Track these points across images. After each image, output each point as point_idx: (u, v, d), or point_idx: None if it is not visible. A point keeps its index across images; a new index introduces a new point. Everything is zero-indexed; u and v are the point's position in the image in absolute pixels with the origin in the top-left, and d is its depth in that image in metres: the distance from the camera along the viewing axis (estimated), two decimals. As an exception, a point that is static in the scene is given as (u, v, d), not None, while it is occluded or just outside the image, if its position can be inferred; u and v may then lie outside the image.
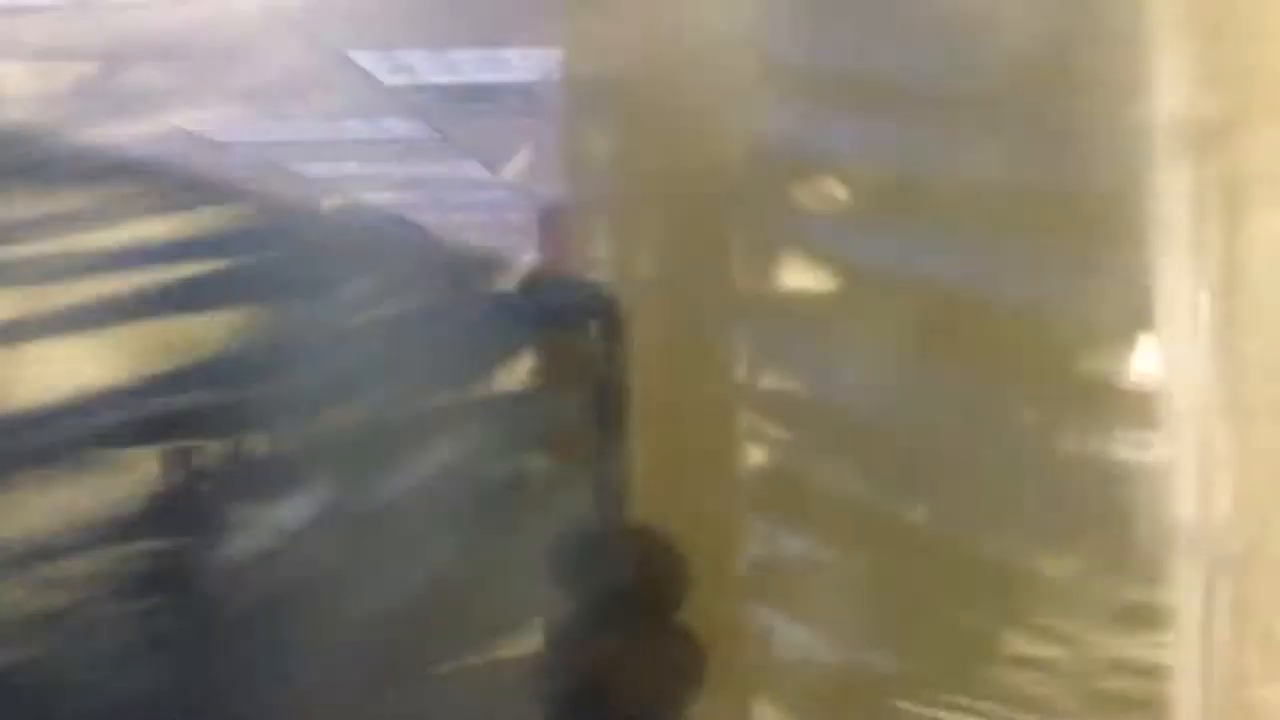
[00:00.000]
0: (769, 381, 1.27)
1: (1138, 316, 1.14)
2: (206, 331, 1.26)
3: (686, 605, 1.31)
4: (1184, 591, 1.09)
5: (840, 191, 1.26)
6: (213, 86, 1.31)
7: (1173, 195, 1.09)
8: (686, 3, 1.26)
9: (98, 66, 1.22)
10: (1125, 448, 1.17)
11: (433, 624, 1.30)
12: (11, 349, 1.17)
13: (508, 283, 1.37)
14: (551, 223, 1.37)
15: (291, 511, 1.26)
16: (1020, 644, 1.18)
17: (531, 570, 1.32)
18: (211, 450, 1.23)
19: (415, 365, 1.34)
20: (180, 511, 1.23)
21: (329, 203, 1.34)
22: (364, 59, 1.42)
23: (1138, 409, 1.14)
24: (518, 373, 1.35)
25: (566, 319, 1.35)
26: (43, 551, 1.17)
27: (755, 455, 1.27)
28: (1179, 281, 1.10)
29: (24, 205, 1.20)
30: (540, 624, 1.31)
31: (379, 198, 1.37)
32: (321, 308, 1.30)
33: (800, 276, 1.28)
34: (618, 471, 1.31)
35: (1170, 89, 1.07)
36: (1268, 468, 1.08)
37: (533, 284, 1.36)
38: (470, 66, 1.45)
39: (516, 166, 1.37)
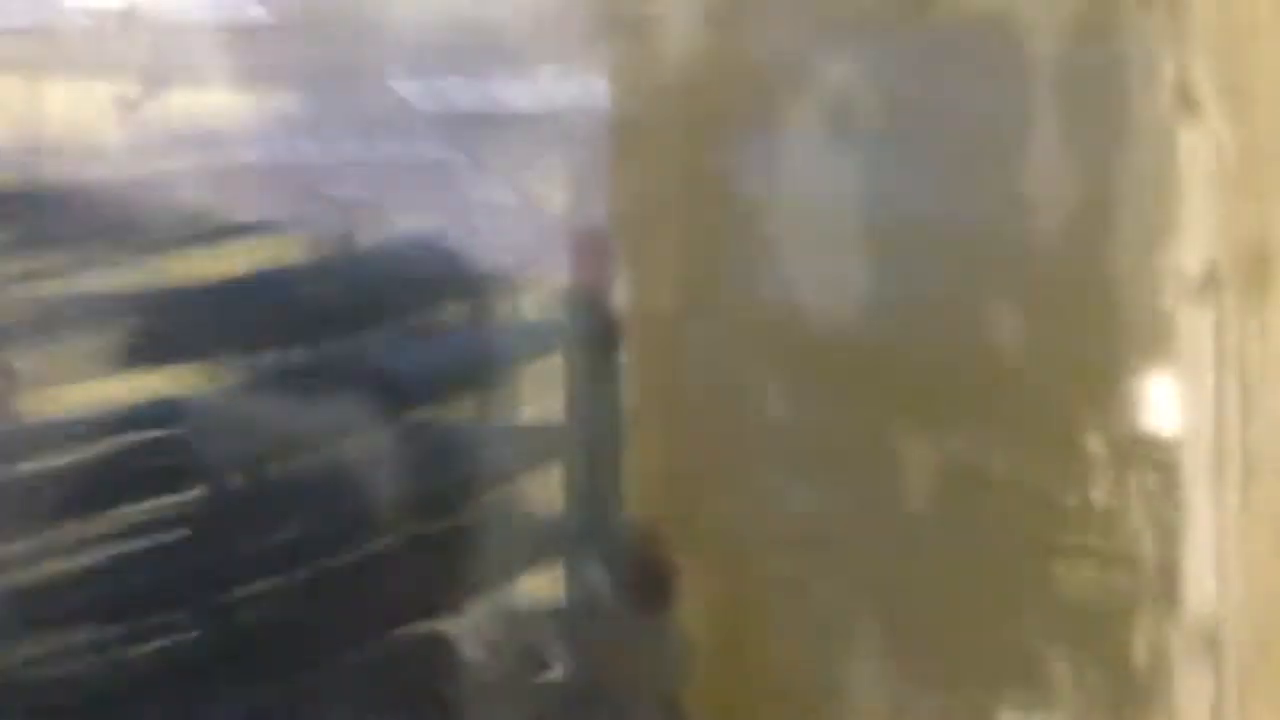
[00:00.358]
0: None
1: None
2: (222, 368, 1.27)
3: (675, 602, 1.33)
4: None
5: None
6: (250, 109, 1.32)
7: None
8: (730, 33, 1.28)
9: (140, 86, 1.23)
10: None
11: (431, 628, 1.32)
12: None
13: (536, 305, 1.39)
14: (585, 247, 1.39)
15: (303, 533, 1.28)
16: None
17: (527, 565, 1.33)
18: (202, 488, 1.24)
19: (441, 386, 1.36)
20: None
21: (364, 230, 1.35)
22: (400, 85, 1.44)
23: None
24: (541, 391, 1.37)
25: (595, 339, 1.37)
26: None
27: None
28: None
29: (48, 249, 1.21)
30: (536, 617, 1.32)
31: (413, 221, 1.39)
32: (357, 339, 1.32)
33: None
34: (616, 474, 1.33)
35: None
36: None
37: (563, 306, 1.38)
38: (505, 93, 1.47)
39: (550, 192, 1.38)
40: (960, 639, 1.16)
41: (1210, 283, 1.06)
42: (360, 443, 1.28)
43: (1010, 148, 1.13)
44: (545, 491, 1.35)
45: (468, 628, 1.29)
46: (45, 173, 1.19)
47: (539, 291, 1.37)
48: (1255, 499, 1.07)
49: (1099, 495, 1.08)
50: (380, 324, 1.33)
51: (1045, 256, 1.12)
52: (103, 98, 1.20)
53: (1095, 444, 1.08)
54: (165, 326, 1.24)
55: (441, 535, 1.31)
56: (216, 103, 1.30)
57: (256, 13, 1.33)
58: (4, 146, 1.17)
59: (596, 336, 1.36)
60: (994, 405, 1.14)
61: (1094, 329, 1.09)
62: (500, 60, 1.43)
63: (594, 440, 1.35)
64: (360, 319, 1.31)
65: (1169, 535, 1.06)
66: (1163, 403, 1.08)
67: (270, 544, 1.26)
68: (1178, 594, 1.06)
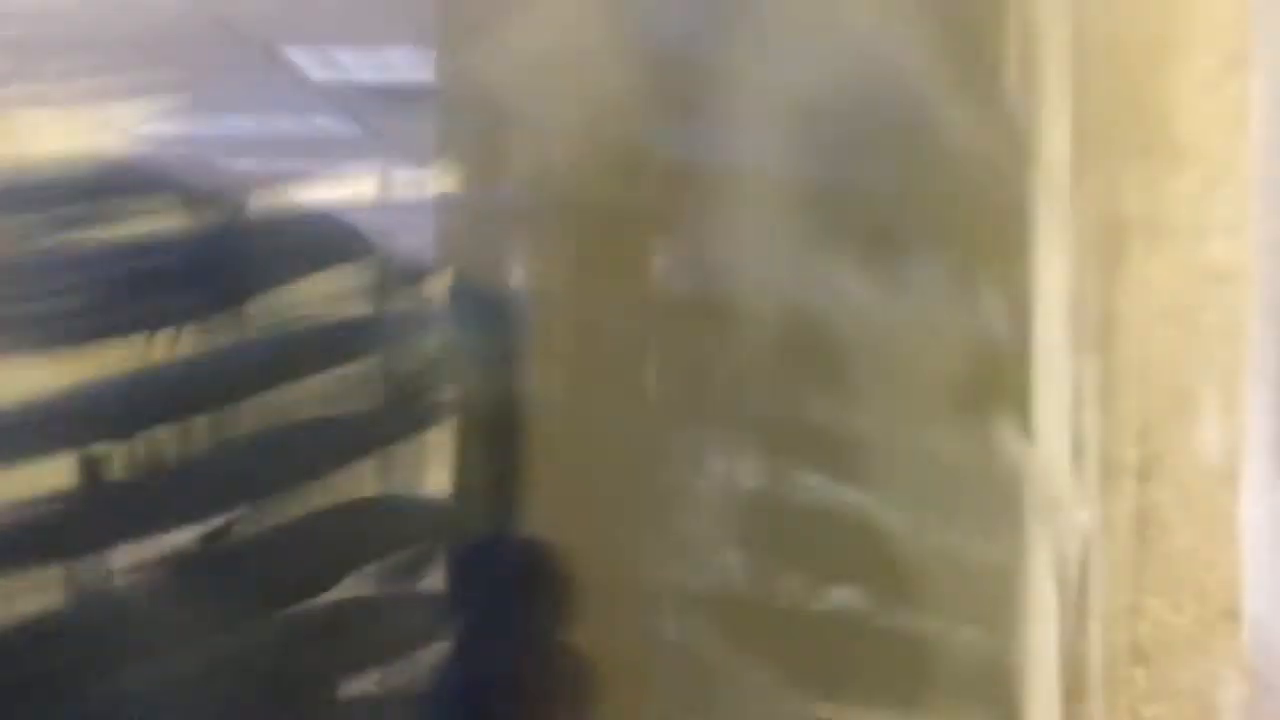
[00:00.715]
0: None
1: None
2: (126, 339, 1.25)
3: (573, 620, 1.31)
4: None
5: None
6: (139, 79, 1.29)
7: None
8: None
9: (10, 56, 1.20)
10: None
11: (328, 642, 1.30)
12: None
13: (429, 289, 1.36)
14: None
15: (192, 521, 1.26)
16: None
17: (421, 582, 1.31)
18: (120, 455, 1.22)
19: (335, 368, 1.33)
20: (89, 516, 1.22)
21: (258, 201, 1.33)
22: (294, 54, 1.41)
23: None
24: (430, 378, 1.35)
25: (483, 327, 1.35)
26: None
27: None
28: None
29: None
30: (433, 637, 1.30)
31: (308, 195, 1.36)
32: (247, 313, 1.29)
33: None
34: (512, 483, 1.31)
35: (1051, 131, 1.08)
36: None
37: (452, 292, 1.36)
38: (405, 66, 1.44)
39: (443, 169, 1.35)
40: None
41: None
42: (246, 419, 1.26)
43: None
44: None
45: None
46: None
47: (432, 276, 1.35)
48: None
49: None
50: (266, 295, 1.30)
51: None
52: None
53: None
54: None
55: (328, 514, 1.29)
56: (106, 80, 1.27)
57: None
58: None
59: (489, 320, 1.34)
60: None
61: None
62: (405, 32, 1.40)
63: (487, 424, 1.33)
64: (247, 290, 1.29)
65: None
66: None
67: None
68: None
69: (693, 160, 1.25)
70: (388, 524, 1.31)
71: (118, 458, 1.25)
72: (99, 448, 1.25)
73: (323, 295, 1.32)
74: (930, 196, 1.19)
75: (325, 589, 1.27)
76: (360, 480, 1.29)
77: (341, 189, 1.36)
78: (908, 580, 1.18)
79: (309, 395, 1.30)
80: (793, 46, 1.21)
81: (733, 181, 1.25)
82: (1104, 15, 1.10)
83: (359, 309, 1.33)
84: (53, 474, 1.21)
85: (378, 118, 1.43)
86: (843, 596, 1.20)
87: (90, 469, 1.26)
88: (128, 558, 1.21)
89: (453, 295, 1.33)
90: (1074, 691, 1.10)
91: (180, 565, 1.23)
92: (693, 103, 1.23)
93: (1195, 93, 1.10)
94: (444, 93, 1.33)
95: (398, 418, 1.33)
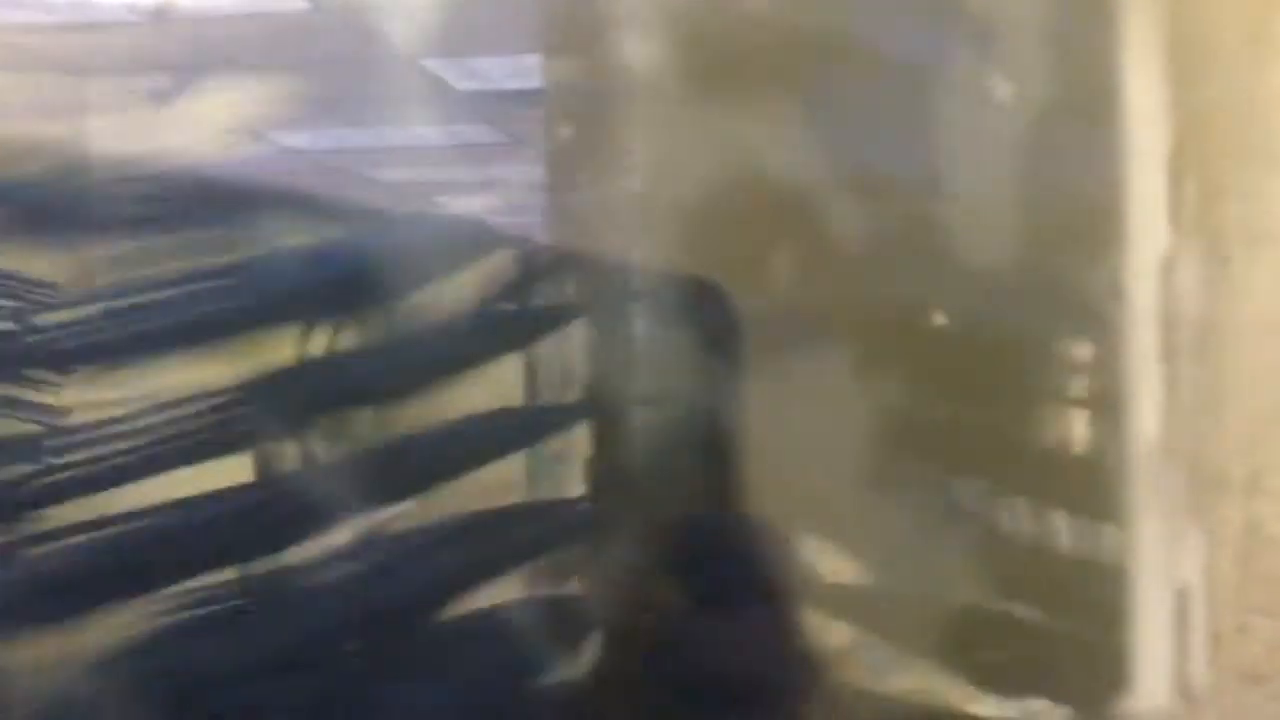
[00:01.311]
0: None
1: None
2: (285, 339, 1.29)
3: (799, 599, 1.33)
4: None
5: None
6: (290, 96, 1.34)
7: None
8: None
9: (173, 78, 1.25)
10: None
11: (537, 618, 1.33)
12: (109, 367, 1.21)
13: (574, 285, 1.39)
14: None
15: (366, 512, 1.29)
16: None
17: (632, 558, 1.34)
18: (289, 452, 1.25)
19: (486, 363, 1.37)
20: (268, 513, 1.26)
21: (404, 209, 1.37)
22: (436, 65, 1.45)
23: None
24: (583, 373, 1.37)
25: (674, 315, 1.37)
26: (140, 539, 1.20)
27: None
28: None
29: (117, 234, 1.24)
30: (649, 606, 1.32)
31: (453, 202, 1.40)
32: (399, 314, 1.33)
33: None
34: (731, 459, 1.33)
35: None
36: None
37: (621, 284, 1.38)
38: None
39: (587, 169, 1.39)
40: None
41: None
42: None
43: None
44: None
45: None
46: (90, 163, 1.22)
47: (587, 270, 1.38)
48: None
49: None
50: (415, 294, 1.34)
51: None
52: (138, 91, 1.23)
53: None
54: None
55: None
56: (255, 92, 1.32)
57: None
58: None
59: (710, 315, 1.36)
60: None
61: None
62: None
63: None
64: (398, 290, 1.33)
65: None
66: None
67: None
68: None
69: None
70: (538, 526, 1.34)
71: (290, 452, 1.29)
72: (273, 442, 1.29)
73: (469, 293, 1.35)
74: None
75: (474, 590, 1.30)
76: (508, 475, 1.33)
77: (487, 193, 1.40)
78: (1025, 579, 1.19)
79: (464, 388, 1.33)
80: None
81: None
82: (1202, 13, 1.08)
83: (507, 306, 1.37)
84: (229, 471, 1.26)
85: (521, 123, 1.46)
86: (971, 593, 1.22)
87: (265, 464, 1.30)
88: (301, 553, 1.25)
89: (673, 293, 1.35)
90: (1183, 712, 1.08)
91: (334, 562, 1.26)
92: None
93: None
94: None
95: (548, 411, 1.36)
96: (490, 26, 1.44)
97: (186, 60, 1.27)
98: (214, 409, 1.25)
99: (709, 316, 1.33)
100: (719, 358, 1.32)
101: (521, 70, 1.49)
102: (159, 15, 1.25)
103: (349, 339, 1.31)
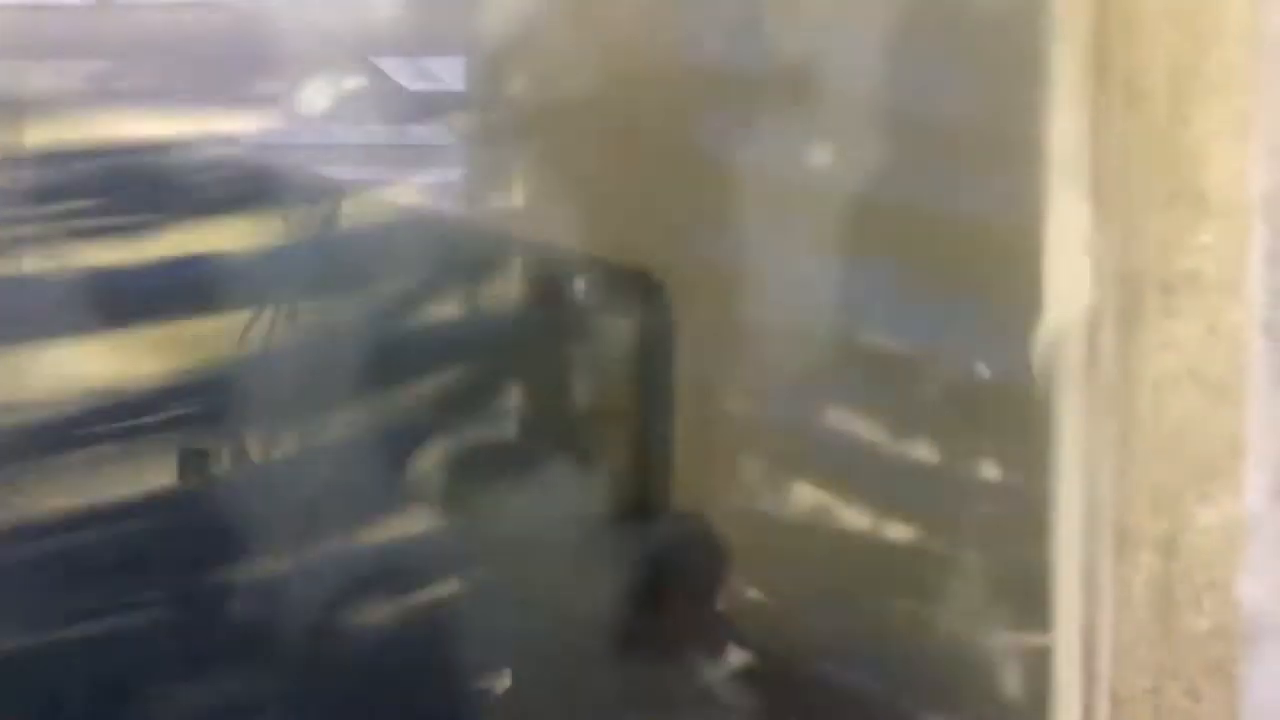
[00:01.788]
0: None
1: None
2: (225, 333, 1.28)
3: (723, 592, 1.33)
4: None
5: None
6: (236, 90, 1.34)
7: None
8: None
9: (116, 64, 1.24)
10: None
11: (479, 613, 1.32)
12: (32, 348, 1.20)
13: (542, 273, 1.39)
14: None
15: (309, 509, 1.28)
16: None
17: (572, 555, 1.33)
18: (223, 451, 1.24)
19: (449, 355, 1.36)
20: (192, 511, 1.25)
21: (355, 205, 1.36)
22: (388, 66, 1.45)
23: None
24: (555, 355, 1.37)
25: (606, 306, 1.37)
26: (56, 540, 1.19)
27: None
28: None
29: (45, 210, 1.23)
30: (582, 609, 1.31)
31: (405, 199, 1.40)
32: (349, 307, 1.32)
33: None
34: (662, 454, 1.32)
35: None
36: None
37: (567, 273, 1.38)
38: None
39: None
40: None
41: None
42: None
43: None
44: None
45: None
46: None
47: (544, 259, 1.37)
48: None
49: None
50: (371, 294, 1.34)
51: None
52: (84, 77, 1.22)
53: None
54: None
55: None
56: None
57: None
58: None
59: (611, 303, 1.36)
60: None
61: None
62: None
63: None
64: (343, 288, 1.33)
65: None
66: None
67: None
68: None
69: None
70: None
71: (222, 454, 1.28)
72: (201, 443, 1.28)
73: (422, 295, 1.35)
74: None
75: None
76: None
77: (434, 192, 1.40)
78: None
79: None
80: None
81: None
82: (1124, 54, 1.06)
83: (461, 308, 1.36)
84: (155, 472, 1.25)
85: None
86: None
87: (191, 466, 1.30)
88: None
89: (596, 283, 1.35)
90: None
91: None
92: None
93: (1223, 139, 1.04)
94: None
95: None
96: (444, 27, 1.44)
97: (130, 47, 1.27)
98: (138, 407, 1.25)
99: (643, 305, 1.33)
100: (652, 345, 1.33)
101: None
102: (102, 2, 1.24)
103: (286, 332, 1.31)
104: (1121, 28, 0.99)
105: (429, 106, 1.43)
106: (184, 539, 1.27)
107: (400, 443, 1.32)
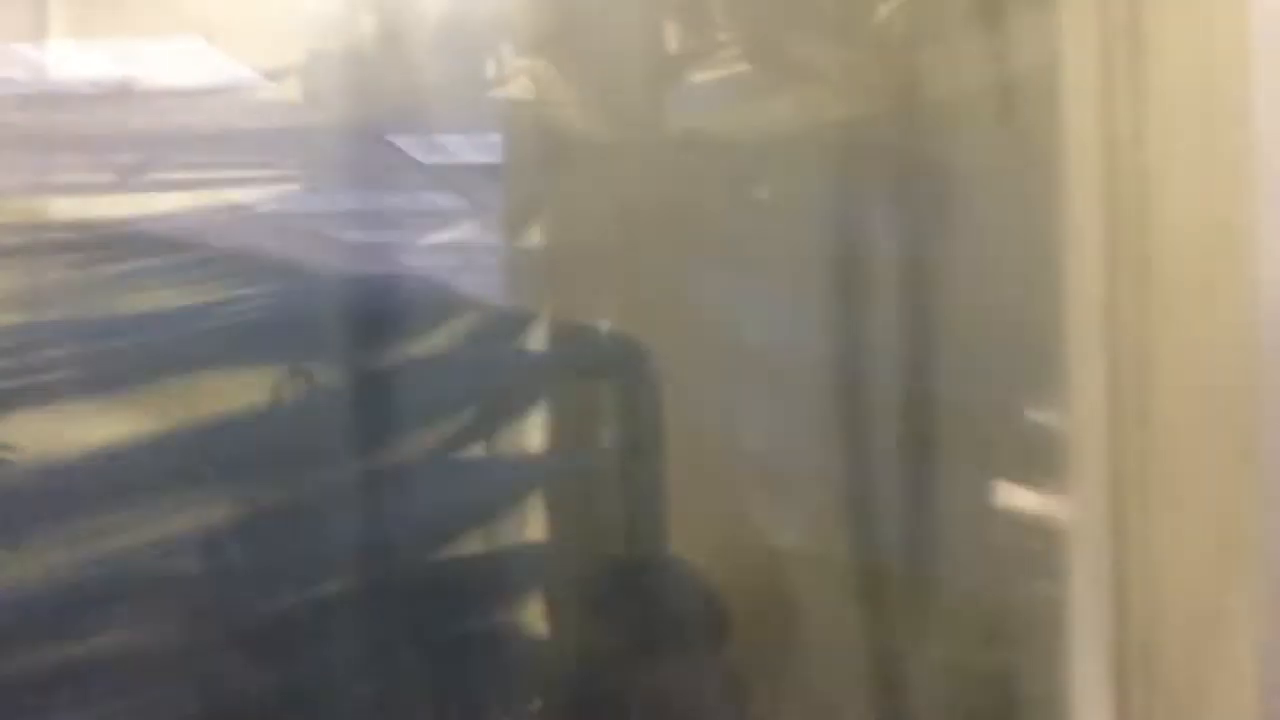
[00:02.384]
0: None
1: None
2: (235, 392, 1.33)
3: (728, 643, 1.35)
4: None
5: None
6: (259, 168, 1.41)
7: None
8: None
9: (141, 154, 1.32)
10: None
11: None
12: (50, 408, 1.26)
13: (536, 337, 1.45)
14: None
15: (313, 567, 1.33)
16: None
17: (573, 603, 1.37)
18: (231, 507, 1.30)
19: (450, 417, 1.41)
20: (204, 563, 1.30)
21: (365, 268, 1.42)
22: (402, 141, 1.53)
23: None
24: (548, 421, 1.42)
25: (596, 369, 1.42)
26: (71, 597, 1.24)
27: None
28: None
29: (71, 274, 1.29)
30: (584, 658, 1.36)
31: (414, 262, 1.46)
32: (355, 366, 1.38)
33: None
34: (656, 509, 1.37)
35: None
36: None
37: (560, 337, 1.44)
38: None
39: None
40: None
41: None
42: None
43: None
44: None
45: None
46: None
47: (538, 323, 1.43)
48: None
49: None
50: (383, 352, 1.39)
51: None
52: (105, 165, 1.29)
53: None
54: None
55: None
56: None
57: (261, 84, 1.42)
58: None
59: (601, 365, 1.41)
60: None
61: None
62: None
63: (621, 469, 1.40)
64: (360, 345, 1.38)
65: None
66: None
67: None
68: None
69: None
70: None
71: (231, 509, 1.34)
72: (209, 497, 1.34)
73: (431, 349, 1.40)
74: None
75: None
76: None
77: (446, 254, 1.47)
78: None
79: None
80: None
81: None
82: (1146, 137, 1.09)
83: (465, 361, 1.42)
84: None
85: (482, 192, 1.53)
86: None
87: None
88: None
89: (578, 342, 1.41)
90: None
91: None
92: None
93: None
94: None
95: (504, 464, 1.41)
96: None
97: (152, 136, 1.35)
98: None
99: (631, 371, 1.39)
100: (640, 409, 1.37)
101: (481, 144, 1.57)
102: (123, 90, 1.33)
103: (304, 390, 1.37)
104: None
105: (439, 177, 1.50)
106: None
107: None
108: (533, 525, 1.39)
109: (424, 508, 1.36)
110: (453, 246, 1.46)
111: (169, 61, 1.40)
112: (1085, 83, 1.07)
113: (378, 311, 1.39)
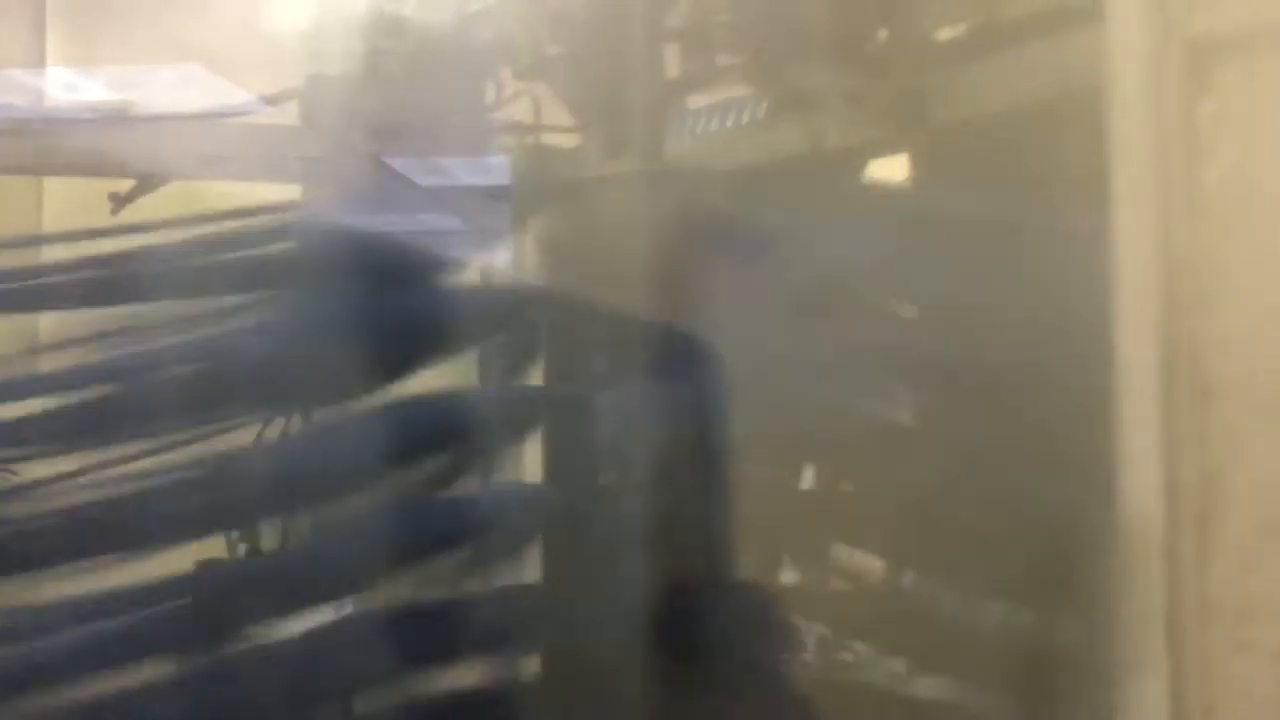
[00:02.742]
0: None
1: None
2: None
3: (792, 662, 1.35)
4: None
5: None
6: (254, 190, 1.41)
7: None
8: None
9: (137, 179, 1.32)
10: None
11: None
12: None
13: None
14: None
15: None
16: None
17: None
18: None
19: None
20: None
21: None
22: (399, 164, 1.53)
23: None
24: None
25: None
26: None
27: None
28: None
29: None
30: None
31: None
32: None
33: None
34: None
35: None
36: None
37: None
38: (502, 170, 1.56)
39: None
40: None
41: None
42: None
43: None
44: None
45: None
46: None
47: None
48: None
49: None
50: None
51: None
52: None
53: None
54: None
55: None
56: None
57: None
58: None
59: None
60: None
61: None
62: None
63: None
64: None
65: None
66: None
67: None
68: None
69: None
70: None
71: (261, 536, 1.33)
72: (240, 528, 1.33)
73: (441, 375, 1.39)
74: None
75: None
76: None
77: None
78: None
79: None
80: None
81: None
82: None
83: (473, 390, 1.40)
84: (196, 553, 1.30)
85: (483, 215, 1.53)
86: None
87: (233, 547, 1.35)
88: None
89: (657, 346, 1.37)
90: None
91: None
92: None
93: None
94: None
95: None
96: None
97: (150, 161, 1.35)
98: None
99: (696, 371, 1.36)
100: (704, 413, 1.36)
101: (482, 168, 1.57)
102: (121, 114, 1.33)
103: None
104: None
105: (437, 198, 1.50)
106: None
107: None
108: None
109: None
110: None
111: (168, 87, 1.41)
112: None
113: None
